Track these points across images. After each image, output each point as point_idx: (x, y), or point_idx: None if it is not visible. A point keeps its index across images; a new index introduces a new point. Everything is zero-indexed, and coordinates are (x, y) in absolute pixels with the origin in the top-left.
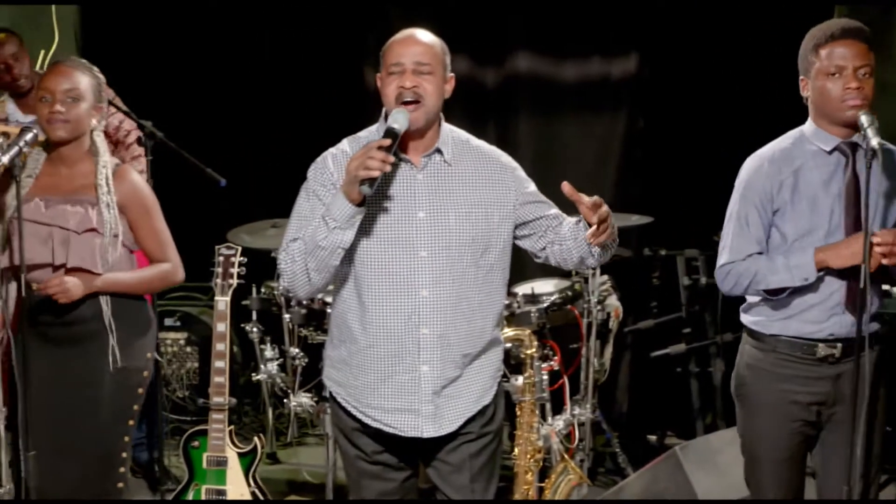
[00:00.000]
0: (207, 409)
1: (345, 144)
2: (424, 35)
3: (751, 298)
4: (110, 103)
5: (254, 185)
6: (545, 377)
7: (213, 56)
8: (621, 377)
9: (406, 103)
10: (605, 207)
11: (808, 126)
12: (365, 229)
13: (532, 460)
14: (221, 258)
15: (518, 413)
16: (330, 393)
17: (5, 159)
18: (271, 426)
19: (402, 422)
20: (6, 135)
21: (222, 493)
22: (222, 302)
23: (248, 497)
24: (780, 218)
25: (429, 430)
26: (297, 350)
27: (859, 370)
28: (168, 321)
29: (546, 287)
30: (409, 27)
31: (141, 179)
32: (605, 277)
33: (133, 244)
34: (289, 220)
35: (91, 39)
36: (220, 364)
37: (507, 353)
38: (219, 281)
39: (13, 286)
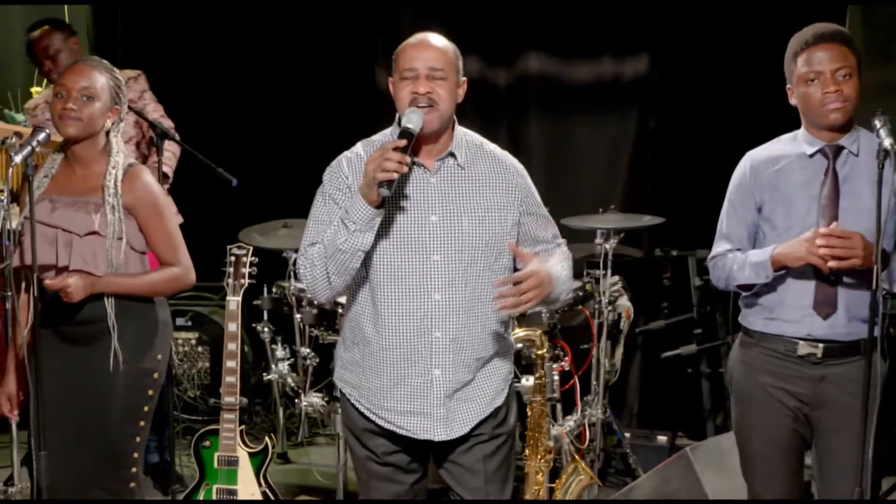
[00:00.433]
0: (218, 409)
1: (359, 147)
2: (437, 39)
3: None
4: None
5: (265, 185)
6: (556, 377)
7: (224, 57)
8: (632, 378)
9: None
10: (531, 280)
11: (801, 129)
12: (378, 233)
13: (543, 461)
14: (233, 258)
15: (529, 413)
16: (342, 393)
17: (18, 159)
18: (282, 426)
19: (415, 424)
20: (19, 134)
21: (233, 492)
22: (234, 302)
23: (258, 497)
24: (763, 216)
25: (440, 434)
26: (308, 350)
27: (870, 369)
28: (179, 321)
29: None
30: (420, 29)
31: (153, 181)
32: (617, 278)
33: (143, 246)
34: (305, 223)
35: (103, 39)
36: (231, 364)
37: (518, 353)
38: (230, 281)
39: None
